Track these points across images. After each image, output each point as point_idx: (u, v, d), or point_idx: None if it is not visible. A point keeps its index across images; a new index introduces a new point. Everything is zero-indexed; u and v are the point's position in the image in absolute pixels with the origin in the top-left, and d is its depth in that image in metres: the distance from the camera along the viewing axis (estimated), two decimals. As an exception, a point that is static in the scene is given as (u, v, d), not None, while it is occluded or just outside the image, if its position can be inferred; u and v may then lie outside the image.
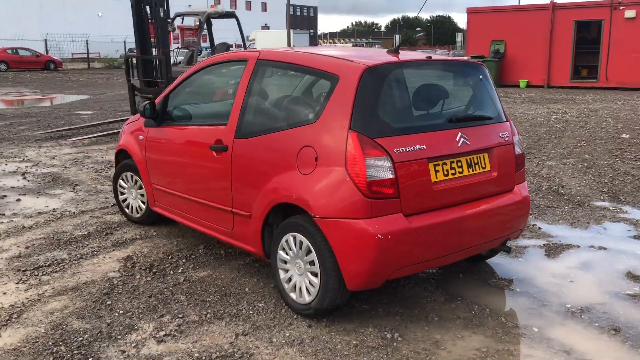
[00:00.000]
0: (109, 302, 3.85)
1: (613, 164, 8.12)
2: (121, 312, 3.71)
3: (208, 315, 3.65)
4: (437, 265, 3.95)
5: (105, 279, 4.24)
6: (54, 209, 6.04)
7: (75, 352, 3.23)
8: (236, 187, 4.01)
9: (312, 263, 3.50)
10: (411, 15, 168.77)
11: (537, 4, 24.30)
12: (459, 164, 3.60)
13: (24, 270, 4.38)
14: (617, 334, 3.44)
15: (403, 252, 3.33)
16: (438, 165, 3.49)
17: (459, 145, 3.60)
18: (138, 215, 5.46)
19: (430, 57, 3.83)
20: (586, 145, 9.58)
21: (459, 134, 3.63)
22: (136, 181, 5.37)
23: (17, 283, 4.17)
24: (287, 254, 3.69)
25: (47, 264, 4.50)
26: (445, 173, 3.52)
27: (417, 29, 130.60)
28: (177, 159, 4.66)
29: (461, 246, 3.63)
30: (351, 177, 3.25)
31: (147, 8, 11.34)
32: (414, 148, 3.39)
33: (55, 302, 3.87)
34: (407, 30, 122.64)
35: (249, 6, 71.08)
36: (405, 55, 3.89)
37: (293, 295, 3.67)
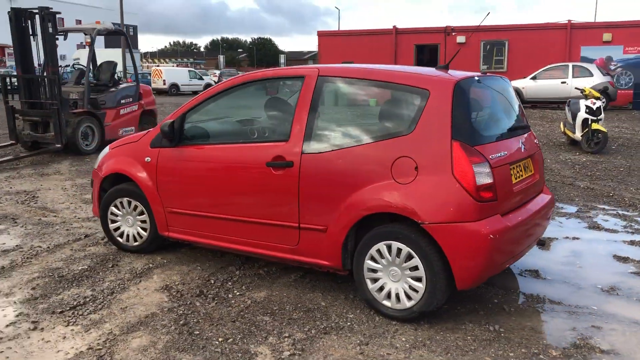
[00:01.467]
0: (197, 332, 3.62)
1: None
2: (220, 339, 3.52)
3: (313, 331, 3.63)
4: (514, 262, 4.23)
5: (165, 309, 3.96)
6: (16, 245, 5.36)
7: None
8: (305, 202, 4.02)
9: (413, 269, 3.67)
10: (230, 36, 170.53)
11: (382, 28, 26.33)
12: (522, 167, 4.04)
13: (60, 312, 3.91)
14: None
15: (504, 250, 3.67)
16: (514, 169, 3.89)
17: (522, 150, 4.05)
18: (136, 243, 5.09)
19: (486, 73, 4.24)
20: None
21: (520, 140, 4.08)
22: (135, 207, 5.01)
23: (67, 326, 3.72)
24: (377, 263, 3.81)
25: (80, 303, 4.06)
26: (516, 177, 3.93)
27: (239, 50, 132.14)
28: (212, 180, 4.48)
29: (529, 242, 4.06)
30: (460, 183, 3.51)
31: (30, 22, 10.36)
32: (500, 154, 3.76)
33: (136, 338, 3.55)
34: (230, 52, 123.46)
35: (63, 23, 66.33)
36: (456, 72, 4.24)
37: (387, 303, 3.80)
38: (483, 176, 3.55)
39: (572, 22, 23.27)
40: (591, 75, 19.75)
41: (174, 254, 5.09)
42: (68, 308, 3.97)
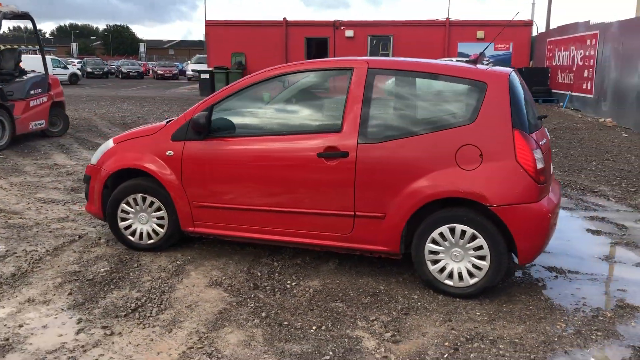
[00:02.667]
0: (285, 323, 3.64)
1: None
2: (314, 328, 3.58)
3: (394, 313, 3.80)
4: None
5: (234, 304, 3.90)
6: (6, 250, 4.89)
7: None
8: (362, 191, 4.16)
9: (477, 248, 3.97)
10: (79, 22, 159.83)
11: (272, 20, 26.41)
12: (549, 154, 4.50)
13: (124, 315, 3.71)
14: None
15: (554, 226, 4.09)
16: (548, 155, 4.33)
17: (547, 138, 4.51)
18: (151, 241, 4.88)
19: (514, 67, 4.62)
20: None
21: (545, 130, 4.53)
22: (151, 203, 4.80)
23: (144, 328, 3.55)
24: (439, 245, 4.06)
25: (138, 304, 3.86)
26: (542, 163, 4.37)
27: (92, 37, 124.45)
28: (253, 172, 4.44)
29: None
30: (523, 167, 3.86)
31: None
32: (543, 141, 4.17)
33: (229, 334, 3.49)
34: (82, 39, 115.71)
35: None
36: (493, 66, 4.53)
37: (449, 282, 4.06)
38: (540, 161, 3.93)
39: (450, 19, 25.04)
40: (473, 69, 21.44)
41: (192, 251, 4.94)
42: (129, 311, 3.76)
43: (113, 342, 3.36)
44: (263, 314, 3.74)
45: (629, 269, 4.73)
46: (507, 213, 3.86)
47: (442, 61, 4.71)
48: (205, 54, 28.41)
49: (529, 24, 25.18)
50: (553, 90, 21.39)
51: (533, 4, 30.94)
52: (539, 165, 3.92)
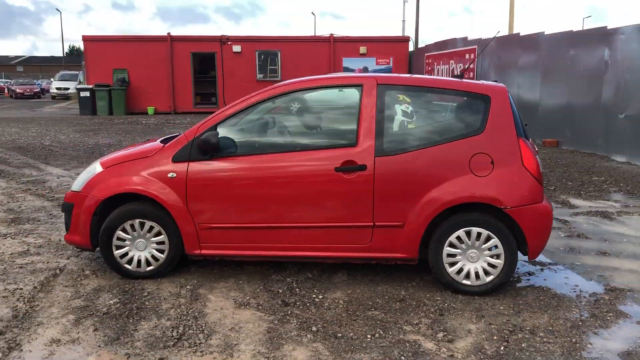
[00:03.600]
0: (339, 335, 3.71)
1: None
2: (368, 336, 3.69)
3: (431, 315, 4.02)
4: None
5: (275, 322, 3.89)
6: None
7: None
8: (381, 202, 4.35)
9: (492, 248, 4.31)
10: None
11: (155, 35, 25.60)
12: None
13: (173, 345, 3.56)
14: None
15: None
16: None
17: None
18: (150, 268, 4.68)
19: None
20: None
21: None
22: (150, 228, 4.62)
23: (203, 356, 3.44)
24: (456, 248, 4.35)
25: (180, 332, 3.72)
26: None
27: None
28: (267, 189, 4.45)
29: None
30: (530, 172, 4.28)
31: None
32: (535, 148, 4.63)
33: (295, 351, 3.49)
34: None
35: None
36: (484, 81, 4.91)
37: (467, 282, 4.36)
38: (540, 165, 4.37)
39: (334, 35, 25.92)
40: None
41: (192, 275, 4.81)
42: (175, 340, 3.62)
43: (181, 373, 3.23)
44: (313, 329, 3.78)
45: (595, 257, 5.35)
46: (519, 214, 4.25)
47: (444, 78, 5.01)
48: (69, 70, 26.92)
49: (406, 40, 26.81)
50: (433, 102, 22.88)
51: (403, 21, 32.97)
52: (540, 169, 4.35)
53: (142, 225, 4.63)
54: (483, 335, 3.71)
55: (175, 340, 3.62)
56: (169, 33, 24.87)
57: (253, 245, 4.57)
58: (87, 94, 23.92)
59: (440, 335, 3.70)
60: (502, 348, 3.54)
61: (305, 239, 4.49)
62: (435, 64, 22.83)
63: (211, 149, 4.42)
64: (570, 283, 4.67)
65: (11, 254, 5.36)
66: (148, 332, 3.74)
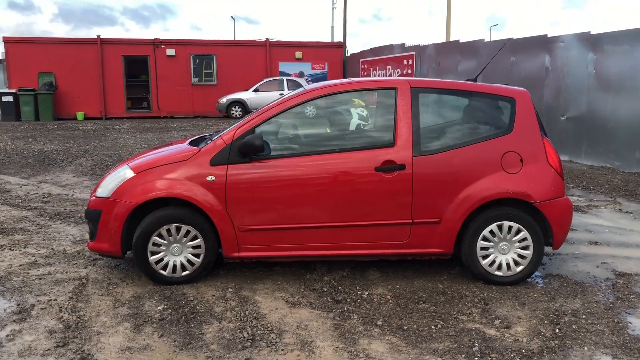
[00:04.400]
0: (405, 327, 3.87)
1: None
2: (433, 327, 3.87)
3: (478, 305, 4.26)
4: None
5: (338, 318, 4.00)
6: (18, 304, 4.24)
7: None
8: (419, 199, 4.55)
9: (522, 240, 4.62)
10: None
11: (84, 37, 24.59)
12: None
13: (250, 345, 3.59)
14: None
15: None
16: None
17: None
18: (186, 272, 4.64)
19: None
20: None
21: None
22: (187, 232, 4.59)
23: (285, 354, 3.50)
24: (489, 241, 4.63)
25: (249, 335, 3.74)
26: None
27: None
28: (309, 190, 4.54)
29: None
30: (554, 168, 4.63)
31: None
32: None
33: (373, 345, 3.62)
34: None
35: None
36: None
37: (499, 273, 4.65)
38: (561, 162, 4.74)
39: (269, 40, 25.96)
40: (302, 87, 22.72)
41: (226, 278, 4.81)
42: (250, 341, 3.65)
43: (277, 372, 3.27)
44: (378, 323, 3.92)
45: (590, 247, 5.81)
46: (546, 207, 4.59)
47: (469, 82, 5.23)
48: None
49: (341, 46, 27.31)
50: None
51: (332, 27, 33.50)
52: (562, 166, 4.72)
53: (177, 230, 4.57)
54: (534, 320, 3.99)
55: (250, 340, 3.64)
56: (98, 36, 23.98)
57: (291, 246, 4.64)
58: (10, 98, 22.60)
59: (497, 322, 3.95)
60: (557, 330, 3.83)
61: (345, 238, 4.61)
62: (372, 69, 23.43)
63: (255, 151, 4.45)
64: (581, 270, 5.07)
65: (20, 265, 5.11)
66: (216, 335, 3.74)
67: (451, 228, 4.59)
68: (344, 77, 26.74)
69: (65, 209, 7.21)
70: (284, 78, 23.20)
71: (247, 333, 3.74)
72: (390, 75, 21.61)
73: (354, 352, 3.51)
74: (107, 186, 4.67)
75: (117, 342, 3.62)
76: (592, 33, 11.66)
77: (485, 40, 15.34)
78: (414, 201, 4.55)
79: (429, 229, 4.60)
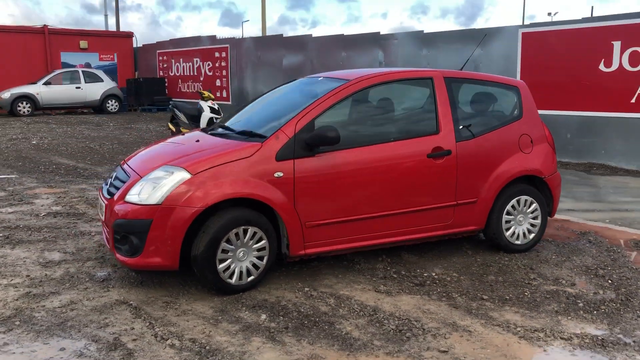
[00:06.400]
0: (507, 298, 4.21)
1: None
2: (526, 294, 4.29)
3: (528, 270, 4.80)
4: None
5: (438, 298, 4.16)
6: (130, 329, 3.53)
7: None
8: (462, 182, 4.92)
9: (533, 211, 5.30)
10: None
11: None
12: None
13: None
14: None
15: None
16: None
17: None
18: (252, 278, 4.30)
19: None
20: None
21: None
22: (254, 234, 4.27)
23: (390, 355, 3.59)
24: (510, 215, 5.21)
25: (398, 327, 3.72)
26: None
27: None
28: (369, 180, 4.55)
29: None
30: (552, 147, 5.41)
31: None
32: None
33: (500, 315, 3.89)
34: None
35: None
36: None
37: (517, 242, 5.26)
38: (553, 141, 5.55)
39: (48, 27, 23.09)
40: (102, 80, 20.95)
41: (279, 280, 4.57)
42: (400, 333, 3.62)
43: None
44: (484, 297, 4.20)
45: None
46: (551, 181, 5.34)
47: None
48: None
49: (130, 36, 25.54)
50: (174, 99, 22.72)
51: (106, 15, 31.40)
52: (554, 144, 5.54)
53: (244, 232, 4.20)
54: (583, 277, 4.68)
55: (398, 332, 3.61)
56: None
57: (352, 238, 4.60)
58: None
59: (563, 282, 4.54)
60: (607, 279, 4.57)
61: (399, 225, 4.74)
62: (174, 61, 22.64)
63: (328, 143, 4.31)
64: (564, 232, 5.96)
65: (44, 277, 4.10)
66: (363, 331, 3.61)
67: (485, 206, 5.04)
68: (135, 70, 25.29)
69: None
70: (79, 69, 21.04)
71: (392, 325, 3.69)
72: (199, 69, 21.17)
73: (504, 324, 3.74)
74: (155, 191, 4.04)
75: (273, 357, 3.28)
76: (425, 32, 13.18)
77: (314, 35, 16.09)
78: (458, 184, 4.89)
79: (469, 209, 4.98)
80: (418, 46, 13.27)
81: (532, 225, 5.31)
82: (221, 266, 4.12)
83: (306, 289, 4.32)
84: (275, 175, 4.23)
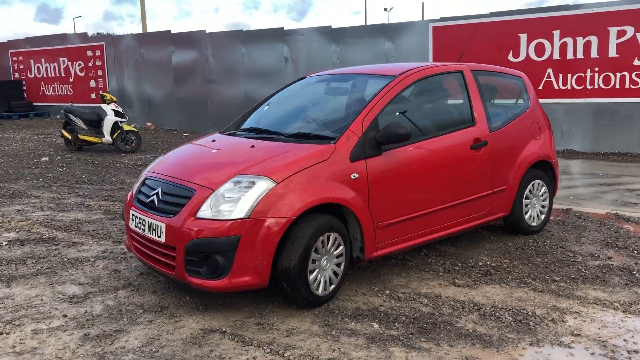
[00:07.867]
0: (556, 279, 4.45)
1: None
2: (584, 271, 4.55)
3: (559, 249, 5.09)
4: None
5: (518, 285, 4.28)
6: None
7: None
8: (495, 171, 5.07)
9: (543, 194, 5.64)
10: None
11: None
12: None
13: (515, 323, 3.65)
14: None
15: None
16: None
17: None
18: (333, 286, 4.06)
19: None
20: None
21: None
22: (334, 240, 4.06)
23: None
24: (528, 199, 5.49)
25: (519, 318, 3.76)
26: None
27: None
28: (425, 176, 4.51)
29: None
30: (552, 133, 5.79)
31: None
32: None
33: (584, 293, 4.10)
34: None
35: None
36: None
37: (533, 224, 5.55)
38: (550, 128, 5.93)
39: None
40: None
41: (344, 289, 4.40)
42: (527, 324, 3.67)
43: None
44: (555, 278, 4.38)
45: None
46: (554, 165, 5.71)
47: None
48: None
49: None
50: (37, 104, 20.64)
51: None
52: (551, 131, 5.92)
53: (328, 239, 3.96)
54: (610, 250, 5.07)
55: (527, 323, 3.65)
56: None
57: (412, 235, 4.52)
58: None
59: (602, 256, 4.88)
60: (631, 250, 5.01)
61: (452, 217, 4.77)
62: (33, 62, 20.48)
63: (399, 140, 4.19)
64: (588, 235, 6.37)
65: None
66: (494, 328, 3.60)
67: (512, 192, 5.26)
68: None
69: None
70: None
71: (508, 317, 3.72)
72: (67, 68, 19.35)
73: (598, 302, 3.94)
74: (246, 203, 3.65)
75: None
76: (333, 27, 13.29)
77: (208, 31, 15.45)
78: (493, 173, 5.04)
79: (500, 196, 5.16)
80: (327, 41, 13.35)
81: (542, 207, 5.63)
82: (311, 277, 3.84)
83: (386, 292, 4.19)
84: (352, 176, 4.03)
